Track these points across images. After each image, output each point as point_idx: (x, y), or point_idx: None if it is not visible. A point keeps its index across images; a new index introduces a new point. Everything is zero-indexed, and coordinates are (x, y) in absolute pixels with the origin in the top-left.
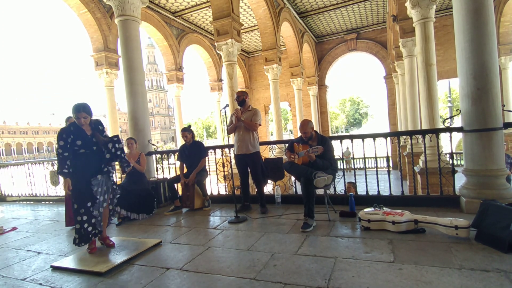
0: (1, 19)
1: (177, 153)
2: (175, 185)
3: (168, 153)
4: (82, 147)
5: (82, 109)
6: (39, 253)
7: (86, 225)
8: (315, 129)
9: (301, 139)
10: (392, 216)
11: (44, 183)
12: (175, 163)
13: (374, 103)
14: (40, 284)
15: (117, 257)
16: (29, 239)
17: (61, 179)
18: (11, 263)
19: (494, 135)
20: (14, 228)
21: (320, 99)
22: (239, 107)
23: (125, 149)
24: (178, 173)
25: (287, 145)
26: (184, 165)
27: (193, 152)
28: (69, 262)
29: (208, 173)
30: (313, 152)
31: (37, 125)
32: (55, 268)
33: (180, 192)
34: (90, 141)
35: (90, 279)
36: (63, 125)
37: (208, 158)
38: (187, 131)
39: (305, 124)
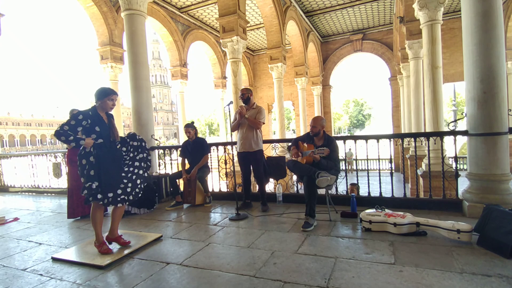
0: (7, 11)
1: (179, 148)
2: (177, 181)
3: (171, 148)
4: (100, 135)
5: (113, 92)
6: (40, 244)
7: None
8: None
9: (307, 136)
10: (393, 218)
11: (47, 175)
12: (177, 159)
13: (378, 104)
14: (41, 274)
15: (117, 251)
16: (31, 230)
17: (63, 171)
18: (12, 253)
19: (499, 140)
20: (16, 219)
21: (324, 99)
22: (243, 104)
23: None
24: (180, 169)
25: (290, 144)
26: (187, 161)
27: (195, 148)
28: (69, 254)
29: (210, 170)
30: (319, 153)
31: (41, 117)
32: (55, 260)
33: (181, 188)
34: (108, 130)
35: (90, 272)
36: (67, 117)
37: (210, 155)
38: (190, 127)
39: (318, 120)
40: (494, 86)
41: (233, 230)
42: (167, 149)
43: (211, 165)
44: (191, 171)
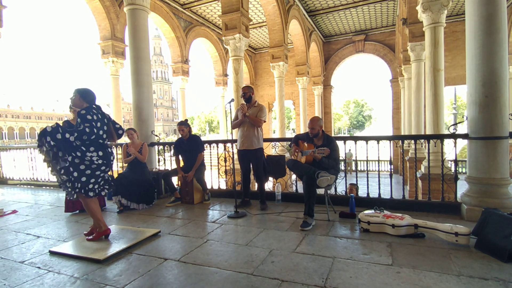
0: (9, 3)
1: (173, 146)
2: (172, 178)
3: (171, 145)
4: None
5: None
6: (38, 237)
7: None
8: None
9: (306, 135)
10: (392, 219)
11: (46, 168)
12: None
13: (378, 106)
14: (38, 267)
15: (115, 245)
16: (29, 223)
17: None
18: (10, 246)
19: (499, 144)
20: (14, 211)
21: (325, 99)
22: (245, 103)
23: (127, 140)
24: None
25: (290, 142)
26: (181, 158)
27: (190, 147)
28: (67, 247)
29: (205, 167)
30: (319, 153)
31: (40, 111)
32: (53, 253)
33: (177, 184)
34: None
35: (88, 266)
36: (67, 111)
37: (210, 152)
38: (183, 125)
39: (315, 121)
40: (496, 90)
41: (232, 227)
42: (167, 145)
43: (211, 163)
44: (186, 169)
